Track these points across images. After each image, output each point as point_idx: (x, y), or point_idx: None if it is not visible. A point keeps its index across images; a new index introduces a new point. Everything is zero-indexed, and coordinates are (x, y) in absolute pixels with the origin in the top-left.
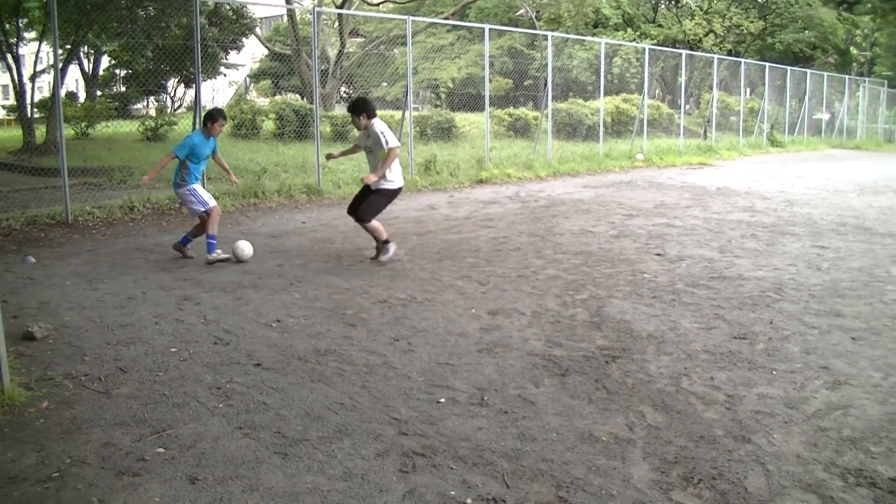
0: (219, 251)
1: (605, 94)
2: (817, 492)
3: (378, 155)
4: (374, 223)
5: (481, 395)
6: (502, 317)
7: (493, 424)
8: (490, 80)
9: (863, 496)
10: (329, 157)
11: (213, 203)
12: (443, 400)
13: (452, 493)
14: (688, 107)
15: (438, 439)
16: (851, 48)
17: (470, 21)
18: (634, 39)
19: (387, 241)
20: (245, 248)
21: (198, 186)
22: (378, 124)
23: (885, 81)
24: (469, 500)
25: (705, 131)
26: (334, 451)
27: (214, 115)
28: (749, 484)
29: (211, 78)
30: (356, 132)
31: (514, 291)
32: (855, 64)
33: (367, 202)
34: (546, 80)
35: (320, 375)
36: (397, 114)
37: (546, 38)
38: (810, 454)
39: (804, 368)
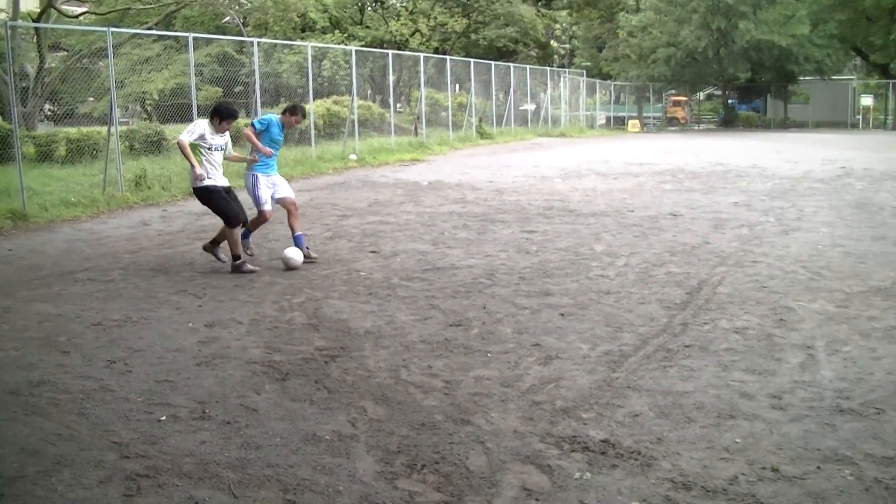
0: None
1: (316, 97)
2: (535, 462)
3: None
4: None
5: (203, 409)
6: (220, 328)
7: (217, 436)
8: (199, 89)
9: (577, 460)
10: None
11: (268, 207)
12: (164, 418)
13: None
14: (398, 105)
15: (162, 458)
16: (552, 41)
17: (175, 30)
18: (342, 42)
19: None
20: (295, 256)
21: (262, 178)
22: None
23: (584, 72)
24: None
25: (416, 128)
26: (54, 484)
27: (296, 109)
28: (471, 463)
29: None
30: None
31: (230, 301)
32: (556, 56)
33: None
34: (255, 87)
35: (34, 408)
36: (105, 129)
37: (253, 44)
38: (527, 428)
39: (517, 348)
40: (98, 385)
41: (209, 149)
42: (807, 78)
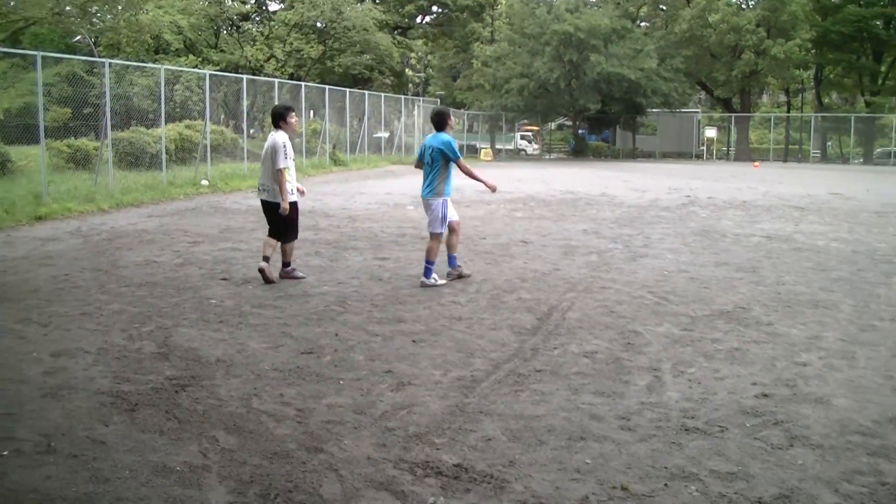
0: (436, 276)
1: (168, 120)
2: (389, 489)
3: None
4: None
5: (48, 442)
6: (66, 357)
7: (63, 471)
8: (47, 110)
9: (431, 485)
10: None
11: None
12: (6, 453)
13: None
14: (252, 131)
15: (4, 496)
16: (407, 70)
17: (23, 48)
18: (196, 65)
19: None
20: None
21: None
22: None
23: (439, 100)
24: None
25: None
26: None
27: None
28: (324, 491)
29: None
30: None
31: (78, 330)
32: (411, 84)
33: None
34: (105, 109)
35: None
36: None
37: (105, 64)
38: (380, 454)
39: (370, 375)
40: None
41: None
42: (654, 110)
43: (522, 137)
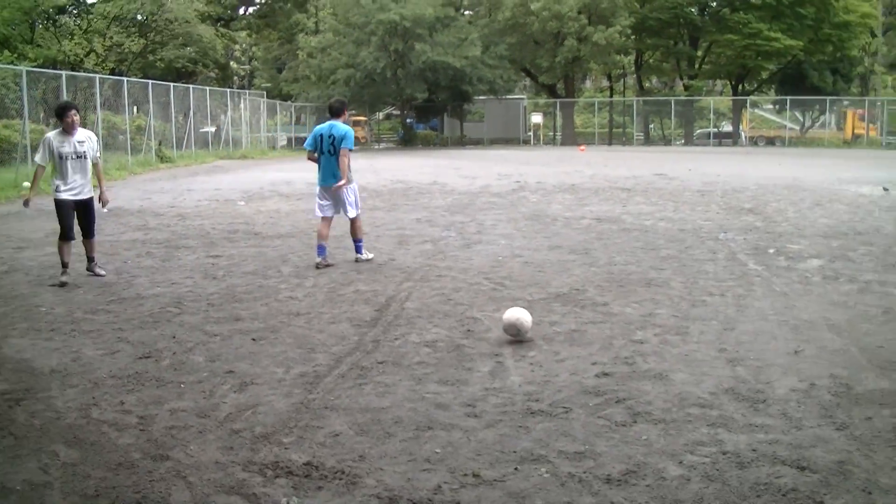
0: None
1: None
2: (240, 492)
3: (88, 164)
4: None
5: None
6: None
7: None
8: None
9: (282, 486)
10: (28, 202)
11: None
12: None
13: None
14: None
15: None
16: (231, 62)
17: None
18: (12, 61)
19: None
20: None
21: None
22: (91, 133)
23: (265, 93)
24: None
25: None
26: None
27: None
28: (174, 499)
29: None
30: None
31: None
32: (236, 77)
33: (91, 218)
34: None
35: None
36: None
37: None
38: (228, 458)
39: (211, 376)
40: None
41: None
42: (481, 97)
43: (355, 124)
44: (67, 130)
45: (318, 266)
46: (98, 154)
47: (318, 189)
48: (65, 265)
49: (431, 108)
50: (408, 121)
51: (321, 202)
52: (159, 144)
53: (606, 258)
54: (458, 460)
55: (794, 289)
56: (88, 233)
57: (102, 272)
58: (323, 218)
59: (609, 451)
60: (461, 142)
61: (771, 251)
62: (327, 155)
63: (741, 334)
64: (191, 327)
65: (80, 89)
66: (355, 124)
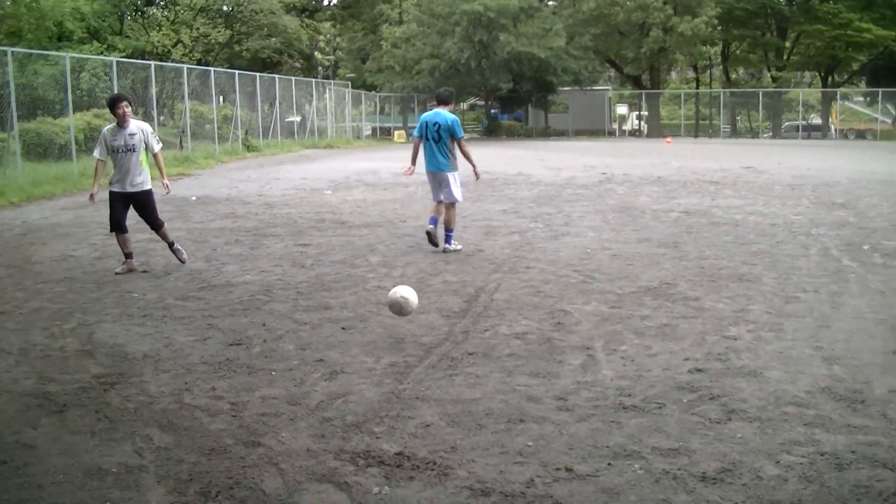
0: (455, 242)
1: (76, 109)
2: (332, 480)
3: (139, 157)
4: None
5: None
6: None
7: None
8: None
9: (374, 475)
10: (93, 197)
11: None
12: None
13: None
14: (162, 118)
15: None
16: (316, 52)
17: None
18: (102, 52)
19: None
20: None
21: None
22: (145, 124)
23: (349, 83)
24: None
25: (181, 141)
26: None
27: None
28: (266, 486)
29: None
30: None
31: None
32: (320, 67)
33: (153, 211)
34: (10, 99)
35: None
36: None
37: (6, 53)
38: (319, 445)
39: (301, 364)
40: None
41: None
42: (565, 88)
43: None
44: (119, 123)
45: (429, 233)
46: (157, 144)
47: (427, 173)
48: (126, 255)
49: (516, 98)
50: (492, 111)
51: (432, 186)
52: (246, 133)
53: (696, 252)
54: (551, 454)
55: (892, 287)
56: (152, 224)
57: (184, 256)
58: (437, 202)
59: (703, 449)
60: (545, 132)
61: (865, 248)
62: (431, 142)
63: (837, 332)
64: (280, 315)
65: (168, 79)
66: None
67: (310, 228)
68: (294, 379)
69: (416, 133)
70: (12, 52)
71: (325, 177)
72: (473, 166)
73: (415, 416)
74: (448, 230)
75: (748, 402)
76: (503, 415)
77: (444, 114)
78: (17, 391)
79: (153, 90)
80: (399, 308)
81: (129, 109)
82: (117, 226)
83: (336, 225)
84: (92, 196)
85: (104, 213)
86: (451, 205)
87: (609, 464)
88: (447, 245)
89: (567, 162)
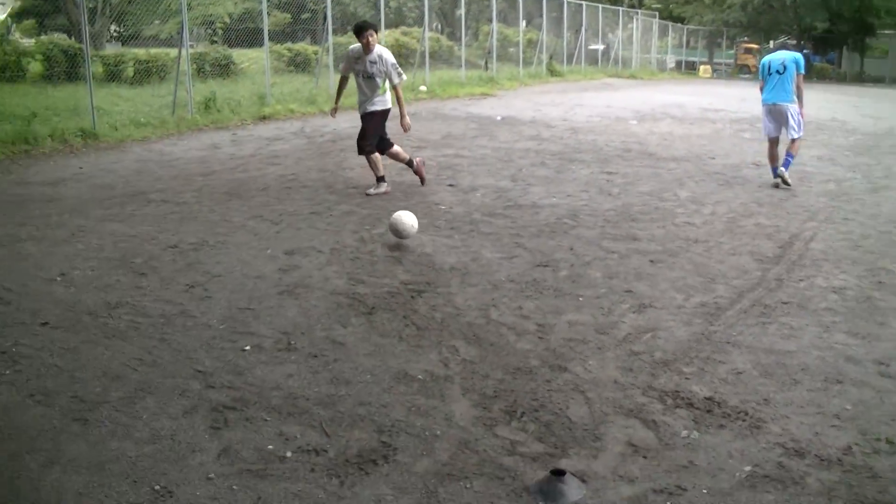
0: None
1: (385, 27)
2: (639, 416)
3: (377, 83)
4: (376, 156)
5: (288, 340)
6: (300, 256)
7: (304, 370)
8: (269, 15)
9: (683, 417)
10: (334, 112)
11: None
12: (248, 347)
13: (270, 447)
14: (467, 39)
15: (248, 390)
16: None
17: None
18: None
19: (381, 178)
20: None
21: None
22: (388, 53)
23: (657, 14)
24: (289, 454)
25: (486, 63)
26: (138, 411)
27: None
28: (572, 413)
29: None
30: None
31: (308, 229)
32: None
33: (363, 132)
34: (326, 14)
35: (114, 331)
36: (172, 51)
37: None
38: (627, 379)
39: (609, 293)
40: (178, 310)
41: None
42: (886, 32)
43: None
44: (364, 50)
45: (776, 186)
46: (397, 77)
47: (763, 108)
48: (378, 178)
49: (830, 39)
50: (804, 52)
51: (766, 123)
52: (550, 58)
53: None
54: (870, 422)
55: None
56: (360, 146)
57: (381, 189)
58: (770, 139)
59: None
60: (860, 78)
61: None
62: (776, 75)
63: None
64: (587, 241)
65: (475, 1)
66: (746, 52)
67: (615, 157)
68: (602, 307)
69: (761, 74)
70: None
71: (629, 106)
72: (801, 107)
73: (726, 361)
74: (789, 155)
75: None
76: (819, 372)
77: (788, 53)
78: (328, 289)
79: (461, 11)
80: (396, 230)
81: (373, 38)
82: (359, 148)
83: (643, 156)
84: (334, 110)
85: (413, 126)
86: (796, 140)
87: None
88: (782, 168)
89: (886, 111)
